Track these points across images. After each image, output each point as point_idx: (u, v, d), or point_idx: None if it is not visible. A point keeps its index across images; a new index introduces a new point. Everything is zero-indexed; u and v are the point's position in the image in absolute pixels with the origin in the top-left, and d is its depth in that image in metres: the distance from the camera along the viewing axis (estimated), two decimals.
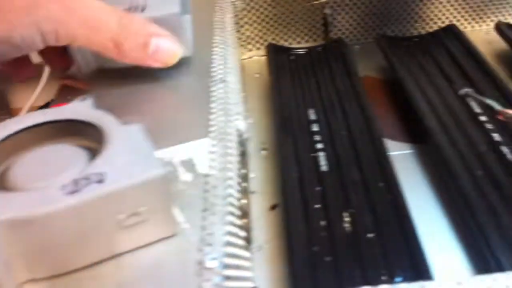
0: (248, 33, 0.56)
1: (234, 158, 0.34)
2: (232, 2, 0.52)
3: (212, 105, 0.36)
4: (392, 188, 0.34)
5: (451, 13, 0.55)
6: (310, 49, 0.52)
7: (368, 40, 0.56)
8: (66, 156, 0.27)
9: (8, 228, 0.22)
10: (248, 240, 0.32)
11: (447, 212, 0.35)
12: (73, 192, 0.23)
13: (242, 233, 0.31)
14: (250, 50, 0.56)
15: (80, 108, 0.30)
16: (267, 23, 0.55)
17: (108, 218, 0.24)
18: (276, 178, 0.39)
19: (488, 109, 0.38)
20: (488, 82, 0.44)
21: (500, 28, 0.50)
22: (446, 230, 0.33)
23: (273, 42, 0.55)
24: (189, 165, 0.31)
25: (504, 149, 0.37)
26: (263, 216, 0.36)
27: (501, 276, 0.23)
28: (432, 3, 0.55)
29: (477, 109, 0.41)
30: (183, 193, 0.29)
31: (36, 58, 0.41)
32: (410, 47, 0.51)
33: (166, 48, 0.34)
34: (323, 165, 0.37)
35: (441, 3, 0.55)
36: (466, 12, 0.56)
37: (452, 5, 0.55)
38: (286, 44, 0.56)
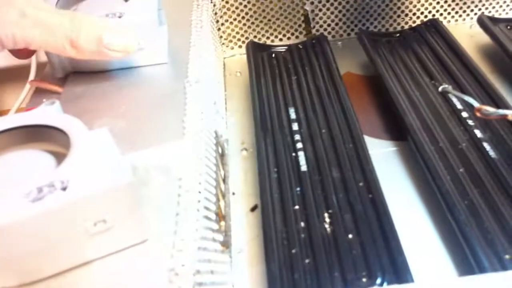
0: (229, 31, 0.55)
1: (210, 160, 0.33)
2: (211, 0, 0.51)
3: (187, 106, 0.35)
4: (372, 188, 0.33)
5: (433, 7, 0.55)
6: (290, 46, 0.51)
7: (351, 36, 0.56)
8: (32, 162, 0.26)
9: None
10: (226, 244, 0.31)
11: (428, 211, 0.34)
12: (36, 200, 0.22)
13: (219, 237, 0.30)
14: (232, 48, 0.56)
15: (47, 113, 0.29)
16: (248, 20, 0.54)
17: (74, 225, 0.23)
18: (257, 178, 0.38)
19: (469, 106, 0.38)
20: (470, 77, 0.44)
21: (483, 21, 0.50)
22: (427, 229, 0.33)
23: (255, 40, 0.54)
24: (163, 168, 0.30)
25: (486, 146, 0.36)
26: (243, 218, 0.36)
27: (482, 277, 0.22)
28: None
29: (459, 106, 0.40)
30: (156, 197, 0.28)
31: None
32: (391, 42, 0.51)
33: (119, 39, 0.35)
34: (303, 165, 0.37)
35: None
36: (449, 6, 0.55)
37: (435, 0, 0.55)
38: (268, 41, 0.55)
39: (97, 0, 0.45)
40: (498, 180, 0.33)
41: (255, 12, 0.54)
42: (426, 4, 0.55)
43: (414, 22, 0.55)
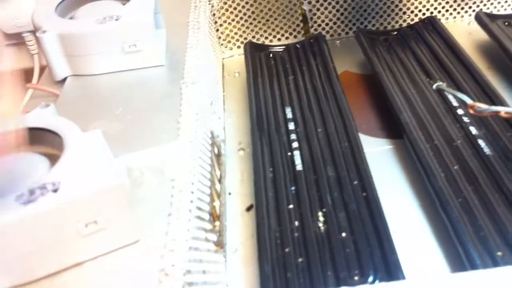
0: (227, 32, 0.55)
1: (205, 161, 0.34)
2: (209, 1, 0.52)
3: (182, 107, 0.35)
4: (367, 187, 0.34)
5: (431, 5, 0.55)
6: (288, 46, 0.52)
7: (349, 35, 0.56)
8: (27, 164, 0.26)
9: None
10: (220, 244, 0.32)
11: (422, 209, 0.34)
12: (28, 202, 0.23)
13: (212, 237, 0.31)
14: (231, 49, 0.56)
15: (42, 115, 0.29)
16: (246, 21, 0.55)
17: (65, 227, 0.24)
18: (252, 179, 0.38)
19: (465, 103, 0.38)
20: (466, 75, 0.43)
21: (480, 17, 0.50)
22: (420, 227, 0.33)
23: (253, 40, 0.55)
24: (156, 169, 0.31)
25: (481, 143, 0.36)
26: (239, 218, 0.36)
27: (474, 274, 0.22)
28: None
29: (454, 103, 0.40)
30: (149, 198, 0.29)
31: None
32: (389, 41, 0.51)
33: None
34: (298, 164, 0.37)
35: None
36: (447, 3, 0.55)
37: None
38: (266, 41, 0.56)
39: (95, 3, 0.46)
40: (492, 177, 0.33)
41: (253, 12, 0.54)
42: (424, 2, 0.55)
43: (412, 20, 0.55)
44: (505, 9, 0.54)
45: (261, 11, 0.54)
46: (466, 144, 0.36)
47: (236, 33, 0.55)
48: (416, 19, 0.55)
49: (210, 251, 0.29)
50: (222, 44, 0.56)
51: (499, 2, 0.54)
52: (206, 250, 0.29)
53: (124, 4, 0.44)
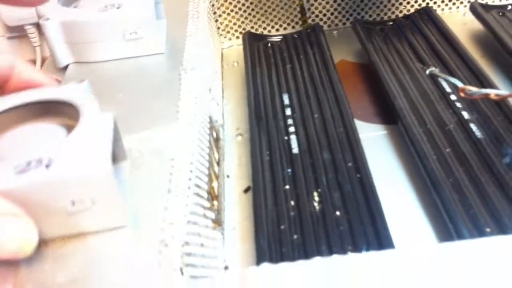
0: (226, 22, 0.56)
1: (203, 143, 0.35)
2: None
3: (181, 92, 0.36)
4: (361, 168, 0.35)
5: None
6: (286, 36, 0.53)
7: (346, 25, 0.57)
8: (46, 135, 0.28)
9: None
10: (218, 221, 0.33)
11: (414, 189, 0.35)
12: (20, 172, 0.24)
13: (210, 215, 0.32)
14: (230, 39, 0.57)
15: (74, 90, 0.30)
16: (245, 11, 0.55)
17: (52, 202, 0.24)
18: (250, 162, 0.39)
19: (456, 88, 0.39)
20: (460, 62, 0.44)
21: (475, 8, 0.51)
22: (412, 206, 0.34)
23: (252, 30, 0.56)
24: (156, 150, 0.32)
25: (473, 127, 0.37)
26: (237, 199, 0.37)
27: (460, 244, 0.23)
28: None
29: (448, 89, 0.41)
30: (149, 177, 0.30)
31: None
32: (385, 30, 0.51)
33: (6, 237, 0.24)
34: (294, 147, 0.38)
35: None
36: None
37: None
38: (265, 32, 0.57)
39: None
40: (483, 159, 0.34)
41: (251, 3, 0.55)
42: None
43: (408, 10, 0.56)
44: (500, 0, 0.55)
45: (260, 1, 0.55)
46: (459, 128, 0.37)
47: (235, 24, 0.56)
48: (412, 10, 0.56)
49: (208, 227, 0.30)
50: (221, 35, 0.57)
51: None
52: (204, 226, 0.29)
53: None
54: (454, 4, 0.56)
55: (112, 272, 0.24)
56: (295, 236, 0.31)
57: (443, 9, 0.57)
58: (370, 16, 0.56)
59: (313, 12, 0.56)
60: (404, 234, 0.31)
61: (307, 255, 0.30)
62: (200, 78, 0.39)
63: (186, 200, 0.28)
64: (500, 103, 0.38)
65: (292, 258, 0.29)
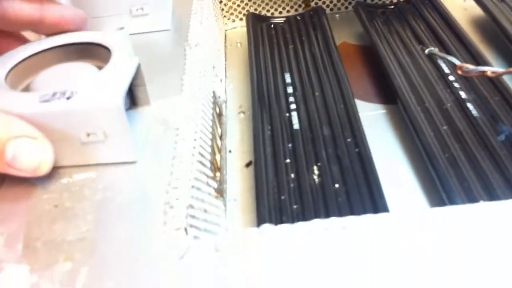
0: (230, 3, 0.57)
1: (207, 115, 0.36)
2: None
3: (186, 66, 0.37)
4: (359, 143, 0.36)
5: None
6: (289, 18, 0.53)
7: (349, 9, 0.58)
8: (79, 72, 0.31)
9: None
10: (220, 191, 0.34)
11: (411, 163, 0.36)
12: (44, 101, 0.27)
13: (213, 184, 0.33)
14: (234, 21, 0.58)
15: (111, 36, 0.33)
16: None
17: (69, 131, 0.28)
18: (252, 138, 0.40)
19: (454, 68, 0.39)
20: (460, 46, 0.45)
21: None
22: (409, 179, 0.35)
23: (255, 12, 0.56)
24: (161, 120, 0.33)
25: (470, 106, 0.38)
26: (239, 173, 0.38)
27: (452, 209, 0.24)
28: None
29: (446, 70, 0.42)
30: (154, 144, 0.31)
31: None
32: (386, 14, 0.52)
33: (25, 155, 0.27)
34: (295, 123, 0.39)
35: None
36: None
37: None
38: (268, 14, 0.57)
39: None
40: (479, 136, 0.35)
41: None
42: None
43: None
44: None
45: None
46: (456, 107, 0.38)
47: (238, 5, 0.57)
48: None
49: (211, 195, 0.31)
50: (225, 16, 0.57)
51: None
52: (208, 193, 0.30)
53: None
54: None
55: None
56: (295, 206, 0.32)
57: None
58: (372, 0, 0.57)
59: None
60: (400, 204, 0.32)
61: None
62: (204, 54, 0.40)
63: (190, 166, 0.29)
64: (497, 83, 0.39)
65: None
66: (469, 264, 0.21)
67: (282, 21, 0.53)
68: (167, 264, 0.23)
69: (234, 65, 0.51)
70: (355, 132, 0.37)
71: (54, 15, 0.35)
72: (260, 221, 0.31)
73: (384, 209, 0.30)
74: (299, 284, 0.21)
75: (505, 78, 0.40)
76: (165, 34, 0.43)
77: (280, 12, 0.57)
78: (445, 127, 0.37)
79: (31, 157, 0.27)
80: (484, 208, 0.24)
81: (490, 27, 0.49)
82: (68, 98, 0.27)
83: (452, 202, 0.31)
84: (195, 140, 0.31)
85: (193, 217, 0.26)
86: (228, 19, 0.58)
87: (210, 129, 0.35)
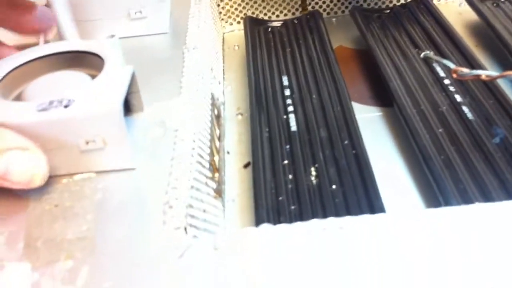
0: (228, 7, 0.57)
1: (205, 117, 0.36)
2: None
3: (184, 69, 0.37)
4: (356, 145, 0.36)
5: None
6: (286, 21, 0.54)
7: (345, 13, 0.58)
8: (72, 81, 0.31)
9: None
10: (219, 192, 0.34)
11: (407, 165, 0.37)
12: (42, 110, 0.27)
13: (212, 184, 0.33)
14: (231, 24, 0.58)
15: (102, 44, 0.33)
16: None
17: (68, 139, 0.28)
18: (250, 139, 0.40)
19: (449, 71, 0.40)
20: (455, 50, 0.46)
21: None
22: (404, 180, 0.36)
23: (252, 15, 0.57)
24: (160, 122, 0.33)
25: (465, 109, 0.39)
26: (237, 174, 0.38)
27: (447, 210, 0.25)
28: None
29: (442, 74, 0.43)
30: (153, 146, 0.31)
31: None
32: (382, 18, 0.53)
33: (18, 167, 0.26)
34: (293, 125, 0.39)
35: None
36: None
37: None
38: (265, 18, 0.58)
39: None
40: (474, 138, 0.36)
41: None
42: None
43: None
44: None
45: None
46: (451, 110, 0.39)
47: (236, 9, 0.57)
48: None
49: (209, 195, 0.31)
50: (222, 19, 0.58)
51: None
52: (206, 193, 0.31)
53: None
54: None
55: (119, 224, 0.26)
56: (292, 207, 0.33)
57: (439, 0, 0.58)
58: (368, 4, 0.58)
59: (312, 0, 0.57)
60: (396, 205, 0.33)
61: None
62: (202, 57, 0.40)
63: (190, 167, 0.29)
64: (491, 87, 0.39)
65: None
66: (464, 264, 0.22)
67: (279, 24, 0.54)
68: (166, 263, 0.23)
69: (232, 67, 0.52)
70: (352, 134, 0.37)
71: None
72: (258, 221, 0.31)
73: (381, 210, 0.30)
74: (297, 283, 0.22)
75: (500, 81, 0.40)
76: (163, 37, 0.44)
77: (277, 16, 0.58)
78: (440, 130, 0.37)
79: (24, 169, 0.27)
80: (479, 209, 0.24)
81: (484, 32, 0.50)
82: (66, 106, 0.27)
83: (447, 203, 0.31)
84: (194, 141, 0.31)
85: (192, 216, 0.27)
86: (226, 22, 0.58)
87: (209, 131, 0.36)
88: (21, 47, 0.37)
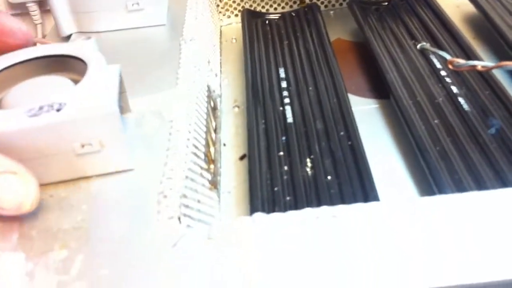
0: (225, 0, 0.57)
1: (201, 109, 0.36)
2: None
3: (181, 61, 0.37)
4: (352, 136, 0.36)
5: None
6: (284, 14, 0.54)
7: (343, 6, 0.58)
8: (56, 86, 0.30)
9: None
10: (214, 183, 0.34)
11: (403, 156, 0.37)
12: (33, 115, 0.26)
13: (207, 175, 0.33)
14: (229, 17, 0.58)
15: (81, 46, 0.32)
16: None
17: (62, 143, 0.27)
18: (246, 131, 0.40)
19: (446, 63, 0.40)
20: (453, 42, 0.46)
21: None
22: (400, 171, 0.36)
23: (250, 8, 0.57)
24: (156, 112, 0.33)
25: (461, 100, 0.39)
26: (233, 165, 0.38)
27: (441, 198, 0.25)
28: None
29: (438, 65, 0.43)
30: (149, 136, 0.31)
31: None
32: (380, 10, 0.53)
33: (7, 193, 0.25)
34: (289, 117, 0.39)
35: None
36: None
37: None
38: (263, 10, 0.58)
39: None
40: (469, 129, 0.36)
41: None
42: None
43: None
44: None
45: None
46: (447, 101, 0.39)
47: (234, 2, 0.57)
48: None
49: (204, 186, 0.32)
50: (220, 12, 0.58)
51: None
52: (201, 184, 0.31)
53: None
54: None
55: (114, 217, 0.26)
56: (287, 198, 0.33)
57: None
58: None
59: None
60: (392, 196, 0.33)
61: None
62: (199, 49, 0.40)
63: (185, 157, 0.29)
64: (487, 78, 0.39)
65: None
66: (457, 250, 0.22)
67: (277, 17, 0.54)
68: (160, 252, 0.23)
69: (229, 60, 0.52)
70: (347, 126, 0.37)
71: None
72: (253, 212, 0.31)
73: (375, 200, 0.31)
74: (291, 271, 0.22)
75: (496, 72, 0.40)
76: (161, 29, 0.44)
77: (275, 9, 0.58)
78: (436, 121, 0.37)
79: (13, 195, 0.25)
80: (472, 198, 0.24)
81: (482, 24, 0.50)
82: (58, 110, 0.26)
83: (442, 194, 0.31)
84: (189, 132, 0.31)
85: (186, 206, 0.27)
86: (224, 15, 0.58)
87: (205, 122, 0.36)
88: None
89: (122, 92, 0.32)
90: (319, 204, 0.32)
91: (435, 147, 0.35)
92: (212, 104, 0.40)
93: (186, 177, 0.28)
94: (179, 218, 0.25)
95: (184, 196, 0.27)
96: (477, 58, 0.42)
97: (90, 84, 0.29)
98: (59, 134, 0.26)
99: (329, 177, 0.34)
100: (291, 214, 0.25)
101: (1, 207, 0.25)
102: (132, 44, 0.42)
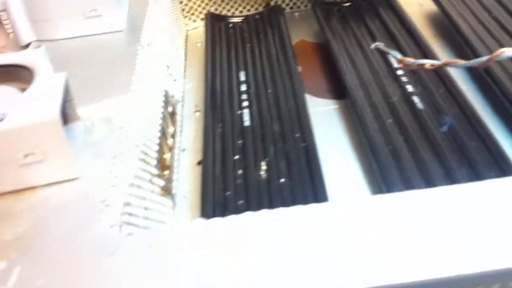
0: (191, 4, 0.57)
1: (156, 114, 0.36)
2: None
3: (136, 66, 0.37)
4: (306, 137, 0.36)
5: None
6: (248, 17, 0.54)
7: (308, 7, 0.58)
8: (2, 96, 0.30)
9: None
10: (168, 189, 0.34)
11: (356, 157, 0.37)
12: None
13: (159, 182, 0.33)
14: (195, 21, 0.58)
15: (30, 55, 0.32)
16: None
17: (5, 154, 0.27)
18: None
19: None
20: (412, 41, 0.46)
21: None
22: (353, 172, 0.36)
23: (216, 12, 0.57)
24: (106, 119, 0.33)
25: (415, 99, 0.39)
26: (190, 170, 0.39)
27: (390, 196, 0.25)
28: None
29: (395, 65, 0.43)
30: (98, 143, 0.31)
31: None
32: (342, 11, 0.53)
33: None
34: (246, 120, 0.39)
35: None
36: None
37: None
38: (229, 14, 0.58)
39: None
40: (422, 128, 0.36)
41: None
42: None
43: None
44: None
45: None
46: (402, 100, 0.39)
47: (199, 5, 0.57)
48: None
49: (154, 192, 0.32)
50: (186, 16, 0.58)
51: None
52: (150, 191, 0.31)
53: None
54: None
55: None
56: (239, 202, 0.33)
57: None
58: None
59: None
60: (343, 196, 0.33)
61: None
62: (157, 54, 0.40)
63: (130, 165, 0.29)
64: (443, 76, 0.40)
65: None
66: (406, 247, 0.22)
67: (240, 20, 0.54)
68: (98, 260, 0.23)
69: (194, 64, 0.52)
70: (303, 128, 0.37)
71: None
72: (204, 217, 0.31)
73: (325, 200, 0.31)
74: (229, 277, 0.22)
75: (452, 71, 0.41)
76: (119, 35, 0.44)
77: (241, 12, 0.58)
78: (390, 120, 0.37)
79: None
80: (420, 195, 0.25)
81: (442, 22, 0.50)
82: (0, 121, 0.26)
83: (390, 191, 0.31)
84: (138, 138, 0.31)
85: (130, 214, 0.27)
86: (189, 19, 0.58)
87: (159, 128, 0.36)
88: None
89: (68, 100, 0.31)
90: (271, 206, 0.32)
91: (387, 146, 0.35)
92: (170, 109, 0.40)
93: (132, 184, 0.28)
94: (120, 227, 0.25)
95: (128, 204, 0.27)
96: (433, 56, 0.43)
97: (34, 93, 0.29)
98: (2, 144, 0.26)
99: (282, 179, 0.34)
100: (230, 219, 0.25)
101: None
102: (89, 51, 0.42)
